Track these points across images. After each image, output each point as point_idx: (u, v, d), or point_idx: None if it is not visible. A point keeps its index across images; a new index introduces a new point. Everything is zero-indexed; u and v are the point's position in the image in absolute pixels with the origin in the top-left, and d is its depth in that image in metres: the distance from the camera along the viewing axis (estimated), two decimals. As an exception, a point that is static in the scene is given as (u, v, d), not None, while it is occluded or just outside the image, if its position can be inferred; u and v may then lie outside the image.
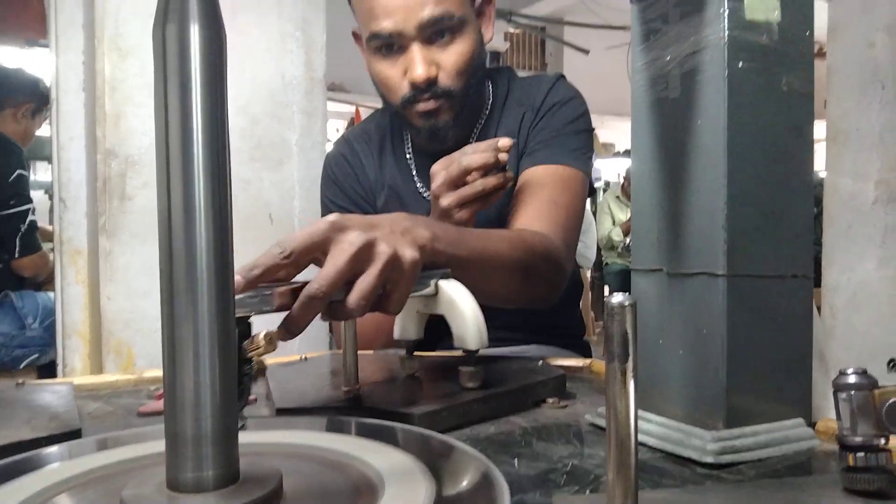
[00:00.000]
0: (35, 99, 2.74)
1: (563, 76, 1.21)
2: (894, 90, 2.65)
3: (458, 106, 1.07)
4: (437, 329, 1.14)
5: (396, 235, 0.65)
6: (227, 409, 0.43)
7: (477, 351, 0.71)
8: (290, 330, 0.59)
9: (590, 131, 1.16)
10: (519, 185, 1.09)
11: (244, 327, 0.56)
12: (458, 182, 0.94)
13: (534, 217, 1.03)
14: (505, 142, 0.94)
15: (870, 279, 2.67)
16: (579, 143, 1.13)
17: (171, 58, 0.42)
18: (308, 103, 1.73)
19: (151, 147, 1.54)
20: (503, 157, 0.94)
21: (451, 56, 1.05)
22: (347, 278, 0.61)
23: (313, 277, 0.60)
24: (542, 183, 1.07)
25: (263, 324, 0.56)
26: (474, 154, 0.93)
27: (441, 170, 0.95)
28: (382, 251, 0.62)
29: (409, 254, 0.64)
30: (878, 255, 2.63)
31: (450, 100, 1.06)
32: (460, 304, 0.70)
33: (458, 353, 0.71)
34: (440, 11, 1.02)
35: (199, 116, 0.43)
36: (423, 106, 1.06)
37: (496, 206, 1.12)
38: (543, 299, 1.01)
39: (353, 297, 0.61)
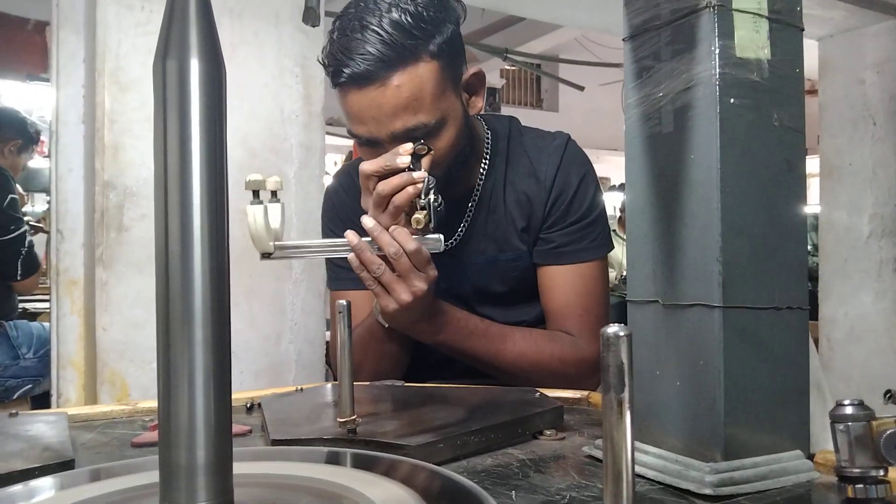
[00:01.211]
0: (22, 137, 2.90)
1: (570, 139, 1.20)
2: (885, 126, 2.69)
3: (440, 184, 1.04)
4: (427, 361, 1.15)
5: (420, 322, 1.00)
6: (222, 438, 0.43)
7: None
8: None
9: (603, 206, 1.19)
10: (546, 281, 1.16)
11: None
12: (369, 189, 1.01)
13: (567, 322, 1.14)
14: (405, 147, 0.99)
15: (866, 312, 2.67)
16: (598, 230, 1.16)
17: (171, 92, 0.43)
18: (306, 137, 1.74)
19: (149, 179, 1.55)
20: (401, 160, 0.98)
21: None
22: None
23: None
24: (571, 286, 1.15)
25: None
26: (372, 161, 1.00)
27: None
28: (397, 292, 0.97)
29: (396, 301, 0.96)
30: (875, 288, 2.65)
31: (436, 183, 1.05)
32: None
33: (453, 384, 0.71)
34: (413, 123, 1.00)
35: (198, 150, 0.43)
36: None
37: (504, 267, 1.17)
38: (573, 386, 1.04)
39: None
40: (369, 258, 0.96)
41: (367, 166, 1.00)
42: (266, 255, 0.87)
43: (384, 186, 0.97)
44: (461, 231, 1.16)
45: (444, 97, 1.03)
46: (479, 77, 1.12)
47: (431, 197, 0.97)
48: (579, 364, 1.10)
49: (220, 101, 0.44)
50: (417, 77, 0.99)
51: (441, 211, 0.98)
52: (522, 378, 1.06)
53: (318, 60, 1.07)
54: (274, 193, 0.85)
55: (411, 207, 0.98)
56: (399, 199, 0.97)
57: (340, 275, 1.22)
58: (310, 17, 0.60)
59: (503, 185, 1.16)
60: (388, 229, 0.96)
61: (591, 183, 1.17)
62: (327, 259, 1.28)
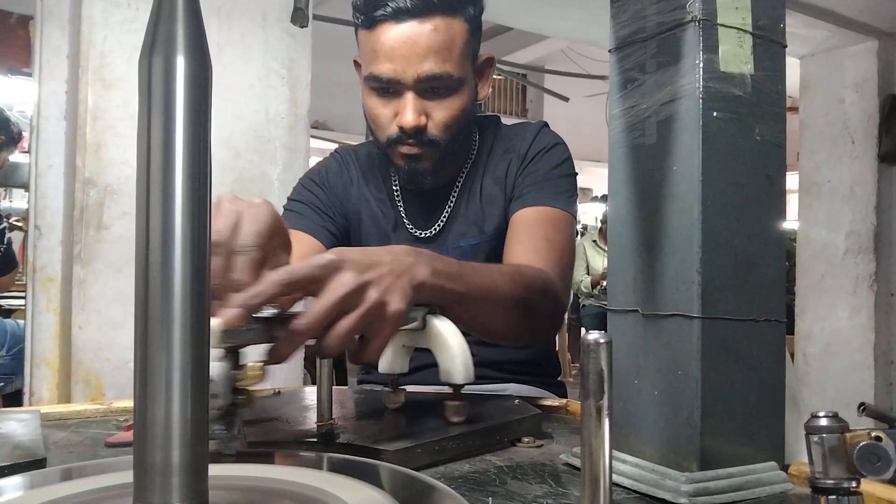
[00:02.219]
0: (5, 134, 2.85)
1: (546, 124, 1.24)
2: (864, 145, 2.73)
3: (440, 155, 1.09)
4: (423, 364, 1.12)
5: (392, 278, 0.65)
6: (198, 440, 0.42)
7: (463, 385, 0.71)
8: (273, 361, 0.60)
9: (573, 175, 1.19)
10: (511, 227, 1.12)
11: (234, 357, 0.56)
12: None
13: (530, 254, 1.04)
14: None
15: (842, 328, 2.71)
16: (566, 186, 1.16)
17: (156, 89, 0.42)
18: (291, 139, 1.74)
19: (131, 177, 1.54)
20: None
21: (443, 110, 1.07)
22: (333, 318, 0.61)
23: (301, 313, 0.60)
24: (534, 223, 1.10)
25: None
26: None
27: None
28: (370, 297, 0.63)
29: (394, 304, 0.64)
30: (851, 303, 2.68)
31: (433, 148, 1.08)
32: (448, 338, 0.70)
33: (434, 388, 0.71)
34: (440, 70, 1.03)
35: (182, 147, 0.43)
36: (406, 149, 1.08)
37: (486, 249, 1.14)
38: (542, 335, 1.03)
39: (330, 338, 0.61)
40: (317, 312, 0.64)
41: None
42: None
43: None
44: (443, 218, 1.17)
45: (467, 63, 1.08)
46: (491, 63, 1.16)
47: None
48: (545, 290, 0.97)
49: (205, 100, 0.44)
50: (452, 29, 1.04)
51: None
52: (516, 316, 0.91)
53: (352, 3, 1.07)
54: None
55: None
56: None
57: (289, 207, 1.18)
58: (298, 17, 0.60)
59: (482, 173, 1.19)
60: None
61: (563, 151, 1.19)
62: (286, 210, 1.19)
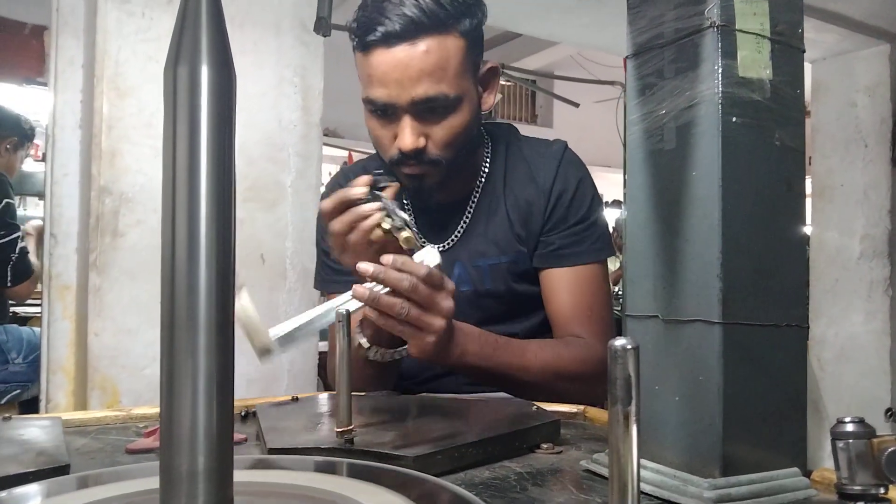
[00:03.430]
0: (17, 134, 2.82)
1: (566, 146, 1.22)
2: (877, 148, 2.72)
3: (444, 172, 1.08)
4: (417, 379, 1.14)
5: (448, 344, 0.94)
6: (223, 445, 0.43)
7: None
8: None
9: (601, 211, 1.19)
10: (549, 284, 1.15)
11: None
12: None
13: (575, 325, 1.12)
14: (362, 178, 0.95)
15: (857, 333, 2.69)
16: (599, 232, 1.17)
17: (182, 98, 0.43)
18: (304, 147, 1.75)
19: (146, 185, 1.55)
20: (354, 192, 0.93)
21: (442, 130, 1.05)
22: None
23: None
24: (575, 287, 1.14)
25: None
26: (328, 199, 0.97)
27: None
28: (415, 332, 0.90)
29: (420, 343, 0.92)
30: (865, 308, 2.66)
31: (436, 167, 1.07)
32: None
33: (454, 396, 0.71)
34: (434, 92, 1.01)
35: (207, 156, 0.43)
36: (409, 169, 1.08)
37: (504, 269, 1.16)
38: (581, 395, 1.04)
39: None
40: (389, 302, 0.87)
41: (324, 204, 0.96)
42: (266, 352, 0.74)
43: (335, 226, 0.93)
44: (459, 232, 1.17)
45: (465, 78, 1.06)
46: (495, 72, 1.14)
47: (404, 215, 0.92)
48: (598, 364, 1.07)
49: (230, 109, 0.44)
50: (446, 48, 1.02)
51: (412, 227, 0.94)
52: (546, 388, 1.02)
53: (346, 26, 1.07)
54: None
55: (368, 243, 0.92)
56: (354, 237, 0.92)
57: (333, 277, 1.20)
58: (321, 26, 0.61)
59: (503, 189, 1.17)
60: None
61: (588, 187, 1.18)
62: (320, 259, 1.26)
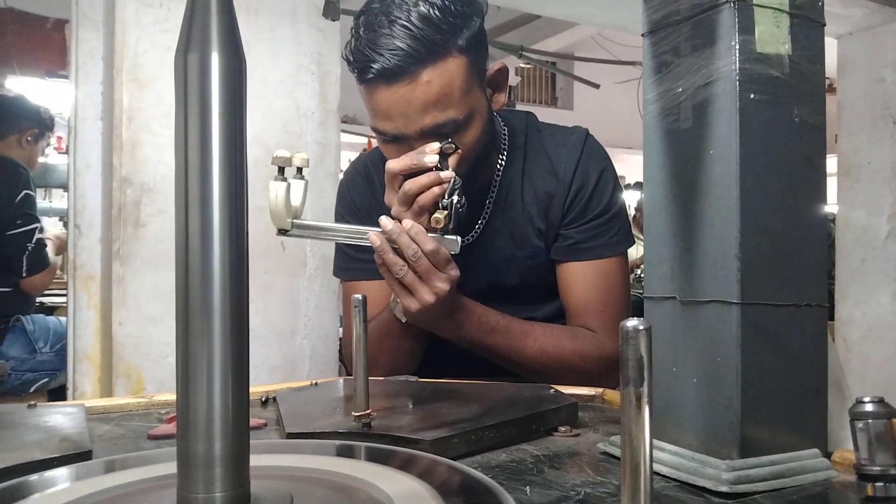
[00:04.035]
0: (37, 125, 2.83)
1: (588, 134, 1.19)
2: (905, 125, 2.65)
3: (464, 177, 1.05)
4: (443, 357, 1.15)
5: (441, 319, 1.00)
6: (239, 430, 0.43)
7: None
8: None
9: (622, 200, 1.19)
10: (567, 277, 1.15)
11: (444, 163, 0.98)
12: (394, 187, 1.00)
13: (589, 317, 1.13)
14: (432, 146, 0.98)
15: (884, 313, 2.64)
16: (619, 224, 1.16)
17: (192, 85, 0.43)
18: (321, 134, 1.75)
19: (167, 175, 1.56)
20: (429, 158, 0.97)
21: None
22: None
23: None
24: (592, 280, 1.14)
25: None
26: (402, 158, 0.99)
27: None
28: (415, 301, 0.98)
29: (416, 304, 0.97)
30: (893, 288, 2.61)
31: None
32: None
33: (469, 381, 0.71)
34: (443, 119, 0.99)
35: (218, 143, 0.43)
36: None
37: (519, 263, 1.15)
38: (584, 384, 1.04)
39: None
40: (392, 259, 0.95)
41: (394, 164, 0.99)
42: (282, 232, 0.86)
43: (411, 185, 0.96)
44: (479, 228, 1.16)
45: (472, 92, 1.03)
46: (503, 73, 1.12)
47: (455, 198, 0.96)
48: (600, 361, 1.10)
49: (240, 95, 0.44)
50: (447, 72, 0.98)
51: (463, 213, 0.97)
52: (542, 374, 1.05)
53: (342, 56, 1.06)
54: (299, 170, 0.84)
55: (434, 206, 0.97)
56: (424, 198, 0.96)
57: (351, 264, 1.21)
58: (330, 11, 0.61)
59: (521, 182, 1.16)
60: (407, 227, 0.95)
61: (610, 178, 1.16)
62: (338, 247, 1.27)
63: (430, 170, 0.97)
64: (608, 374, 1.09)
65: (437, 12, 0.97)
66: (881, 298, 2.68)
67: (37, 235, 2.55)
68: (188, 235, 0.43)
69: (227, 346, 0.42)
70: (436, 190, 0.96)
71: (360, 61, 0.99)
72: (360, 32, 0.99)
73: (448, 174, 0.97)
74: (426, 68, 0.97)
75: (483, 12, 1.05)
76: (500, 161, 1.17)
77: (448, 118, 1.00)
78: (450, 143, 0.99)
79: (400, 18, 0.96)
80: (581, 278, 1.14)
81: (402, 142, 1.03)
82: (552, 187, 1.15)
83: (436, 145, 0.97)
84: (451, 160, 0.99)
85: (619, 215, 1.17)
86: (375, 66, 0.97)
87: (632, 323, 0.36)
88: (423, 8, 0.96)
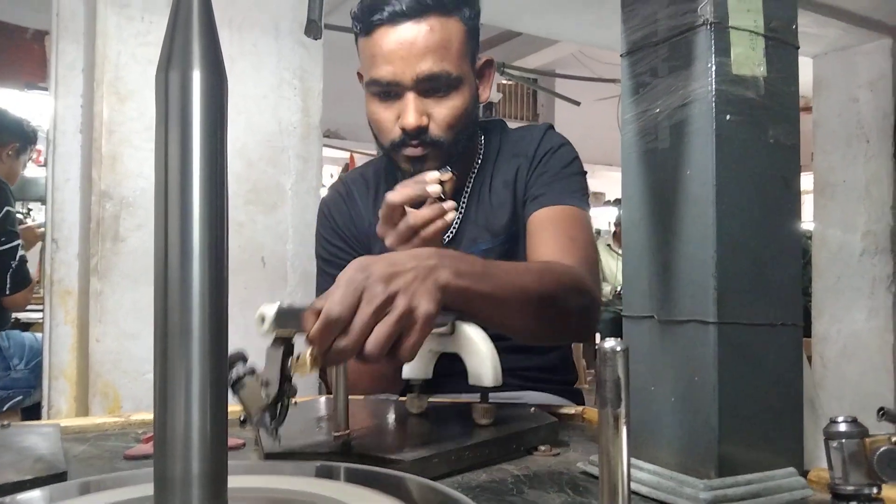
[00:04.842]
0: (19, 139, 2.77)
1: (551, 126, 1.26)
2: (879, 144, 2.71)
3: (444, 156, 1.09)
4: (441, 373, 1.13)
5: (418, 283, 0.68)
6: (218, 450, 0.43)
7: (493, 389, 0.72)
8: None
9: (584, 174, 1.21)
10: (531, 228, 1.13)
11: (288, 346, 0.59)
12: (392, 219, 0.93)
13: (556, 253, 1.04)
14: (432, 175, 0.93)
15: (860, 330, 2.68)
16: (578, 185, 1.17)
17: (173, 103, 0.43)
18: (304, 149, 1.75)
19: (147, 189, 1.55)
20: (432, 189, 0.92)
21: (444, 109, 1.08)
22: (371, 328, 0.65)
23: (344, 331, 0.64)
24: (554, 222, 1.11)
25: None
26: (401, 189, 0.93)
27: (381, 211, 0.95)
28: (399, 304, 0.66)
29: (424, 307, 0.67)
30: (868, 305, 2.65)
31: (437, 149, 1.09)
32: (477, 341, 0.72)
33: (452, 397, 0.71)
34: (438, 69, 1.05)
35: (199, 160, 0.43)
36: (410, 151, 1.09)
37: (497, 252, 1.14)
38: (577, 332, 1.03)
39: (369, 345, 0.64)
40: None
41: (395, 196, 0.92)
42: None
43: (416, 218, 0.90)
44: (456, 223, 1.18)
45: (465, 62, 1.10)
46: (490, 64, 1.18)
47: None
48: (576, 286, 0.96)
49: (221, 113, 0.44)
50: (449, 28, 1.06)
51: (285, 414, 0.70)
52: (539, 315, 0.91)
53: (350, 14, 1.10)
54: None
55: (438, 241, 0.92)
56: (427, 232, 0.91)
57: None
58: (312, 29, 0.61)
59: (491, 175, 1.20)
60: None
61: (570, 151, 1.20)
62: (320, 268, 1.27)
63: (432, 200, 0.92)
64: (592, 310, 1.00)
65: None
66: (856, 315, 2.72)
67: (19, 253, 2.51)
68: (167, 253, 0.43)
69: (207, 364, 0.42)
70: (439, 224, 0.91)
71: (369, 8, 1.05)
72: None
73: (451, 204, 0.91)
74: (431, 17, 1.05)
75: (478, 11, 1.12)
76: (476, 162, 1.21)
77: (444, 69, 1.05)
78: (447, 169, 0.95)
79: None
80: (547, 222, 1.11)
81: (394, 95, 1.07)
82: (519, 163, 1.19)
83: (435, 174, 0.93)
84: (448, 185, 0.94)
85: (580, 178, 1.18)
86: (388, 8, 1.04)
87: (609, 344, 0.36)
88: None
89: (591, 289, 1.00)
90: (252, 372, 0.56)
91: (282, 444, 0.71)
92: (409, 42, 1.04)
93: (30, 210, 3.92)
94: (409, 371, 0.80)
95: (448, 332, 0.75)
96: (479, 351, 0.72)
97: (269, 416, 0.59)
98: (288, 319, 0.60)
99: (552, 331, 0.95)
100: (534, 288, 0.87)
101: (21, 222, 2.63)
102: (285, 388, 0.58)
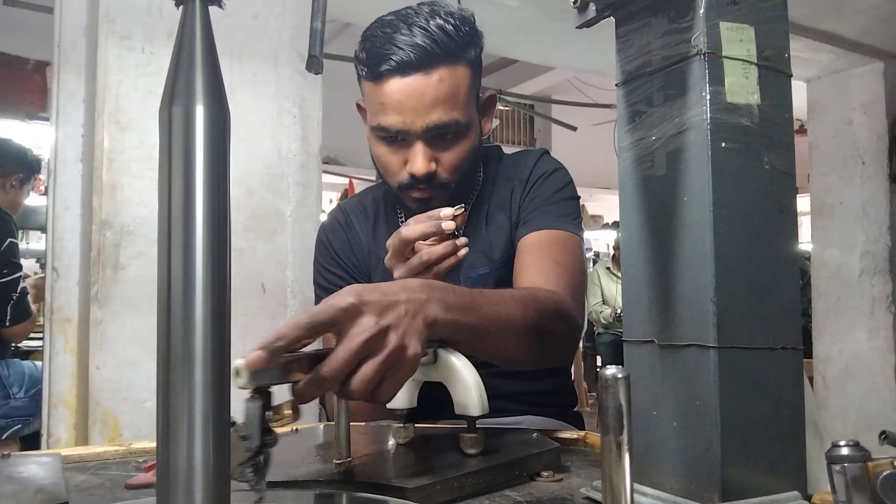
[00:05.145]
0: (23, 169, 2.77)
1: (546, 151, 1.27)
2: (874, 165, 2.73)
3: (449, 195, 1.11)
4: (434, 400, 1.12)
5: (409, 319, 0.67)
6: (220, 482, 0.43)
7: (479, 417, 0.71)
8: (299, 403, 0.61)
9: (577, 199, 1.21)
10: (519, 252, 1.13)
11: (266, 398, 0.57)
12: (404, 254, 0.93)
13: (540, 277, 1.04)
14: (447, 211, 0.92)
15: (861, 350, 2.68)
16: (570, 209, 1.18)
17: (177, 138, 0.43)
18: (303, 176, 1.76)
19: (146, 218, 1.56)
20: (447, 225, 0.91)
21: (451, 155, 1.09)
22: (356, 362, 0.63)
23: (327, 359, 0.62)
24: (542, 247, 1.11)
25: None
26: (415, 225, 0.92)
27: (390, 243, 0.94)
28: (391, 342, 0.65)
29: (412, 348, 0.66)
30: (868, 325, 2.65)
31: (444, 191, 1.10)
32: (461, 370, 0.71)
33: (450, 423, 0.71)
34: (448, 119, 1.05)
35: (202, 195, 0.44)
36: (418, 194, 1.10)
37: (495, 277, 1.14)
38: (558, 357, 1.02)
39: (354, 383, 0.63)
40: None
41: (410, 232, 0.91)
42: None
43: (431, 255, 0.90)
44: None
45: (471, 105, 1.10)
46: (492, 100, 1.20)
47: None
48: (558, 312, 0.96)
49: (224, 147, 0.45)
50: (456, 77, 1.06)
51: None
52: (522, 344, 0.90)
53: (354, 55, 1.10)
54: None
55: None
56: (442, 268, 0.91)
57: None
58: (313, 65, 0.62)
59: (487, 202, 1.21)
60: None
61: (564, 175, 1.21)
62: (318, 295, 1.27)
63: (446, 236, 0.91)
64: (571, 334, 0.99)
65: (451, 26, 1.05)
66: (857, 335, 2.72)
67: (21, 285, 2.50)
68: (170, 285, 0.43)
69: (209, 396, 0.42)
70: (451, 260, 0.91)
71: (376, 55, 1.04)
72: (378, 33, 1.06)
73: (463, 241, 0.92)
74: (440, 67, 1.04)
75: (482, 46, 1.13)
76: (474, 189, 1.22)
77: (453, 118, 1.06)
78: (461, 206, 0.95)
79: (419, 23, 1.04)
80: (535, 246, 1.11)
81: (404, 141, 1.07)
82: (512, 187, 1.20)
83: (449, 211, 0.93)
84: (459, 220, 0.94)
85: (573, 204, 1.19)
86: (395, 58, 1.03)
87: (611, 371, 0.37)
88: (439, 20, 1.04)
89: (572, 314, 1.00)
90: (232, 424, 0.55)
91: (284, 471, 0.70)
92: (418, 93, 1.04)
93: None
94: (393, 401, 0.79)
95: (430, 361, 0.74)
96: (464, 380, 0.71)
97: (252, 470, 0.58)
98: (265, 372, 0.59)
99: (533, 357, 0.94)
100: (517, 316, 0.87)
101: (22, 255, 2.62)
102: (265, 440, 0.57)
